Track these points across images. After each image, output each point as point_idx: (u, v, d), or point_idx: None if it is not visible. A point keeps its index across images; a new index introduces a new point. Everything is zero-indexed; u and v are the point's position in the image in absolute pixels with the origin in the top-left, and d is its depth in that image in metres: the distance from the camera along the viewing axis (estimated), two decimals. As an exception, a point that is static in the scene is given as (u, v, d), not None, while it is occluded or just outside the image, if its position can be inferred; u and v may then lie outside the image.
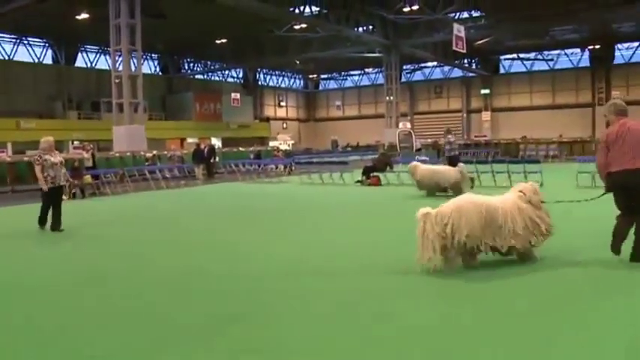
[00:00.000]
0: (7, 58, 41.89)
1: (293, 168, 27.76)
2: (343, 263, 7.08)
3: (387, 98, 45.16)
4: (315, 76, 68.57)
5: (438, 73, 61.92)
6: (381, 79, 55.60)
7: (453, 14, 38.30)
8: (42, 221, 10.84)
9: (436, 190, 14.69)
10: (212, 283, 6.31)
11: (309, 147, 53.08)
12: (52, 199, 10.76)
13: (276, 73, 65.20)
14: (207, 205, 15.08)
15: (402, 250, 7.18)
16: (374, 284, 5.97)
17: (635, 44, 50.06)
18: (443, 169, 15.36)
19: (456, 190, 13.72)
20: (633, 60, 50.72)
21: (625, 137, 6.24)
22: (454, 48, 30.93)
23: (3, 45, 41.70)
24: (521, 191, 6.63)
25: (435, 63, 57.88)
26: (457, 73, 59.33)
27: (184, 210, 13.99)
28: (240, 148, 35.77)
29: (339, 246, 8.40)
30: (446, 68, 59.71)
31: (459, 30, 30.79)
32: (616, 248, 6.43)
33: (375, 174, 19.38)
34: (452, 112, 60.31)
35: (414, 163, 15.96)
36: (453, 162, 17.71)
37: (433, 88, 62.02)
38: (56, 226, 10.67)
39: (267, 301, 5.50)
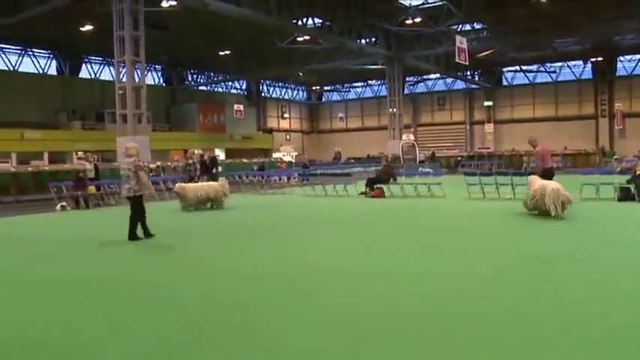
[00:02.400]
0: (12, 69, 42.12)
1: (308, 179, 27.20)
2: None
3: (390, 110, 45.20)
4: (318, 87, 68.72)
5: (440, 85, 61.93)
6: (384, 91, 55.75)
7: (456, 26, 38.45)
8: (135, 234, 10.52)
9: None
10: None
11: (313, 159, 53.02)
12: (141, 209, 10.57)
13: (280, 84, 65.35)
14: (213, 218, 15.05)
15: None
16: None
17: (638, 57, 50.07)
18: None
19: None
20: (636, 72, 50.71)
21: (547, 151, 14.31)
22: (457, 60, 31.00)
23: (8, 56, 41.97)
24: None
25: (437, 75, 57.92)
26: (460, 85, 59.40)
27: (188, 222, 13.96)
28: (244, 160, 35.79)
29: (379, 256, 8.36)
30: (449, 80, 59.72)
31: (461, 42, 30.90)
32: None
33: (378, 186, 19.34)
34: (455, 123, 60.31)
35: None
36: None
37: (436, 99, 62.00)
38: (148, 232, 10.58)
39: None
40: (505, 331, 4.84)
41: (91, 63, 47.09)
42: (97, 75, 47.65)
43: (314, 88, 68.45)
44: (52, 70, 44.85)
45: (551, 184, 11.79)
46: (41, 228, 13.48)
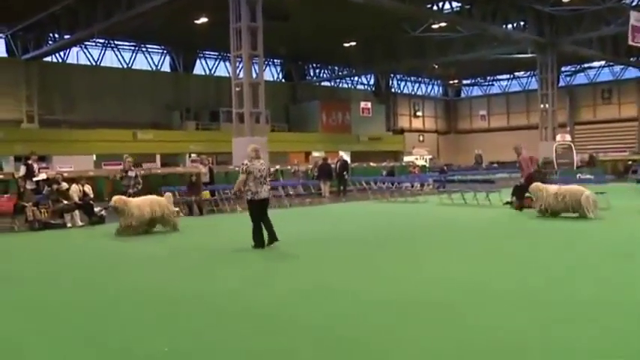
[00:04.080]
0: (125, 66, 45.24)
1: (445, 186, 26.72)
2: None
3: (542, 106, 43.42)
4: (455, 81, 67.60)
5: (606, 75, 58.90)
6: (534, 84, 53.75)
7: (629, 0, 36.11)
8: (260, 241, 10.95)
9: None
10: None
11: (449, 162, 52.13)
12: (258, 213, 11.01)
13: (412, 79, 65.03)
14: (337, 225, 15.13)
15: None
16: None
17: None
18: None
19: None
20: None
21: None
22: (630, 42, 29.14)
23: (122, 53, 45.12)
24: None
25: (602, 62, 55.19)
26: (632, 73, 55.91)
27: (317, 230, 14.12)
28: (372, 164, 35.84)
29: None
30: (617, 68, 56.71)
31: (637, 19, 28.90)
32: None
33: (527, 195, 18.56)
34: (624, 120, 56.82)
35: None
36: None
37: (600, 92, 58.95)
38: (272, 238, 10.98)
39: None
40: None
41: (205, 58, 49.49)
42: (212, 71, 50.00)
43: (451, 82, 67.42)
44: (166, 67, 47.69)
45: (577, 189, 14.95)
46: (152, 235, 14.17)
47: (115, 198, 14.17)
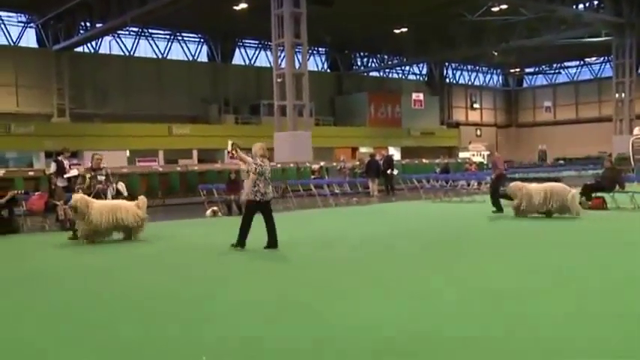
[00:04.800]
0: (160, 56, 45.95)
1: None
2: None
3: (617, 95, 42.63)
4: (517, 70, 66.71)
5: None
6: (607, 71, 52.68)
7: None
8: (243, 242, 11.13)
9: None
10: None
11: (510, 159, 51.51)
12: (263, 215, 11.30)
13: (468, 67, 64.51)
14: (394, 227, 15.10)
15: None
16: None
17: None
18: None
19: None
20: None
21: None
22: None
23: (157, 42, 45.85)
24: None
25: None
26: None
27: (370, 231, 14.12)
28: (424, 160, 35.67)
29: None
30: None
31: None
32: None
33: (598, 194, 18.25)
34: None
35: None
36: None
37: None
38: (272, 243, 11.19)
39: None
40: None
41: (245, 47, 50.00)
42: (252, 61, 50.47)
43: (512, 70, 66.57)
44: (203, 57, 48.29)
45: (562, 187, 15.64)
46: (193, 234, 14.35)
47: (77, 197, 13.05)
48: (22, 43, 40.81)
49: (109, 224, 12.80)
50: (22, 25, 40.77)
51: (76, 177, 18.43)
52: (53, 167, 18.45)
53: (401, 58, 54.61)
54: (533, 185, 16.08)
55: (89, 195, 13.52)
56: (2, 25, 40.10)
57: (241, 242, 11.03)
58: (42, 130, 35.56)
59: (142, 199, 13.76)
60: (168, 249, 11.99)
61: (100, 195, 13.96)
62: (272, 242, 11.14)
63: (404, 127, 51.89)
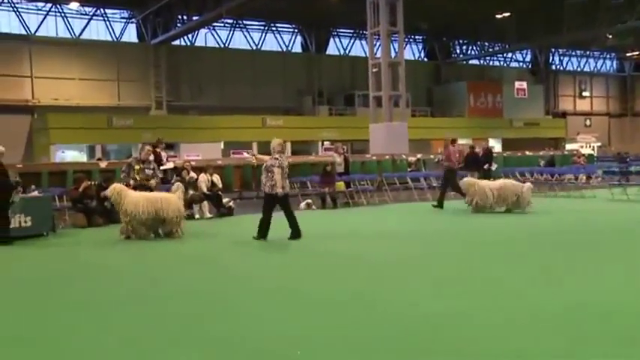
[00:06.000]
0: (254, 47, 46.92)
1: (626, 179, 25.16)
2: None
3: None
4: (635, 53, 63.75)
5: None
6: None
7: None
8: (265, 233, 11.96)
9: None
10: None
11: (625, 151, 49.69)
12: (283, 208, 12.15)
13: (577, 53, 62.57)
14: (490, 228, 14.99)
15: None
16: None
17: None
18: None
19: None
20: None
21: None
22: None
23: (252, 33, 46.82)
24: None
25: None
26: None
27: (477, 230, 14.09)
28: (527, 153, 34.97)
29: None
30: None
31: None
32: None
33: None
34: None
35: None
36: None
37: None
38: (296, 234, 12.02)
39: None
40: None
41: (339, 37, 50.41)
42: (347, 51, 50.80)
43: (629, 54, 63.65)
44: (297, 47, 48.99)
45: (514, 183, 16.99)
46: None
47: (112, 187, 13.01)
48: (124, 39, 42.79)
49: (147, 216, 12.51)
50: (125, 20, 42.80)
51: (172, 170, 19.17)
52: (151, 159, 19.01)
53: (503, 45, 53.35)
54: (485, 182, 17.26)
55: (136, 187, 13.55)
56: (107, 22, 42.11)
57: (262, 233, 11.89)
58: (141, 122, 37.06)
59: (177, 187, 13.62)
60: (267, 244, 11.95)
61: (145, 187, 13.78)
62: (295, 234, 11.98)
63: (505, 118, 51.02)
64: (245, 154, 32.31)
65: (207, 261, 10.43)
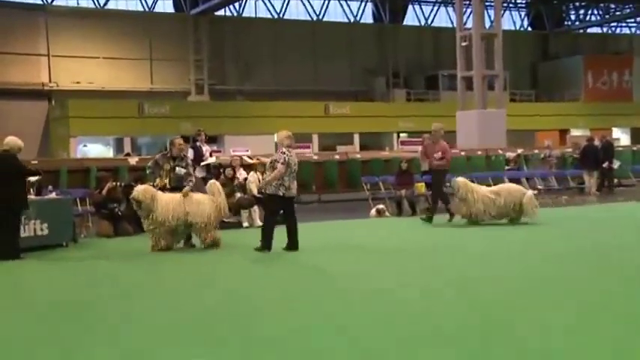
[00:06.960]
0: (315, 18, 47.21)
1: None
2: None
3: None
4: None
5: None
6: None
7: None
8: (269, 243, 11.96)
9: None
10: None
11: None
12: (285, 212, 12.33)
13: None
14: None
15: None
16: None
17: None
18: None
19: None
20: None
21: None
22: None
23: (312, 1, 47.09)
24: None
25: None
26: None
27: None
28: (666, 146, 34.29)
29: None
30: None
31: None
32: None
33: None
34: None
35: None
36: None
37: None
38: (292, 245, 12.07)
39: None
40: None
41: (419, 3, 50.37)
42: (429, 21, 50.64)
43: None
44: (367, 18, 49.11)
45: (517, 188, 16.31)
46: (351, 236, 14.60)
47: (140, 188, 12.76)
48: (158, 9, 43.19)
49: (177, 221, 12.47)
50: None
51: (215, 166, 19.45)
52: (190, 154, 19.15)
53: (633, 7, 52.25)
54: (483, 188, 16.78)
55: (164, 189, 12.99)
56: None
57: (266, 243, 11.85)
58: (178, 110, 37.54)
59: (215, 185, 13.23)
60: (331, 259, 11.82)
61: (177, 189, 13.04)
62: (292, 244, 12.03)
63: (635, 102, 50.06)
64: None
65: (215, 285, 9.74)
